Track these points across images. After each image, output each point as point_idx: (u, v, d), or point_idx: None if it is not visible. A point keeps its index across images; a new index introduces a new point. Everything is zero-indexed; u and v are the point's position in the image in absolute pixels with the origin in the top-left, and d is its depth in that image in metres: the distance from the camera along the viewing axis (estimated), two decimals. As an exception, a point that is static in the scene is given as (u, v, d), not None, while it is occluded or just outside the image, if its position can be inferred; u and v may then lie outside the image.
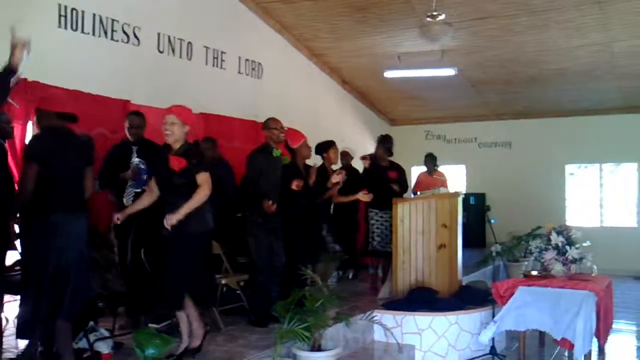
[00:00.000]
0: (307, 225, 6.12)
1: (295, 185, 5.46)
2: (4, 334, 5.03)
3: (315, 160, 6.94)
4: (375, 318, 5.90)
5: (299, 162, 5.94)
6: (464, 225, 11.05)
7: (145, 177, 5.21)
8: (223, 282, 5.56)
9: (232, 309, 5.73)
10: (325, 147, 6.63)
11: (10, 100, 4.68)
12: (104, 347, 4.29)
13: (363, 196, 6.71)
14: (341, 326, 5.29)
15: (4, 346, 4.84)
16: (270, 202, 5.20)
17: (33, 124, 6.38)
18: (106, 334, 4.41)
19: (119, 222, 4.51)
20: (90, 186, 4.25)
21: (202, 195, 4.14)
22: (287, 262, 5.38)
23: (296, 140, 6.01)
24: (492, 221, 11.46)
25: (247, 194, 5.38)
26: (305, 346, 4.63)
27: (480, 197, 13.06)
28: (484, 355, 5.91)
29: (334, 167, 6.87)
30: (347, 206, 7.51)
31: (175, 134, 4.28)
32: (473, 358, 5.93)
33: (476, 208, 12.46)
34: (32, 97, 6.35)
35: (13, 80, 3.29)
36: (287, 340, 4.44)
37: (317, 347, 4.69)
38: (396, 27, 9.73)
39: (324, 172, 6.40)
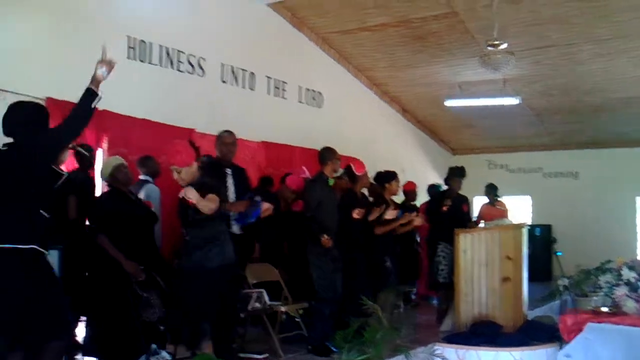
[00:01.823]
0: (369, 255, 6.07)
1: (356, 213, 5.43)
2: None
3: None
4: (436, 351, 5.75)
5: (357, 190, 5.92)
6: (529, 257, 10.81)
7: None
8: (283, 309, 5.54)
9: (291, 337, 5.69)
10: (388, 178, 6.57)
11: (79, 149, 4.90)
12: (164, 371, 4.33)
13: (418, 221, 6.66)
14: (401, 359, 5.16)
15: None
16: (327, 237, 5.16)
17: (103, 151, 6.64)
18: (167, 357, 4.44)
19: None
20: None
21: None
22: (347, 292, 5.31)
23: (361, 168, 6.04)
24: (558, 254, 11.10)
25: (308, 225, 5.36)
26: (364, 378, 4.52)
27: (546, 229, 12.65)
28: (551, 394, 5.64)
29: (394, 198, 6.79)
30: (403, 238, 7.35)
31: None
32: (540, 396, 5.67)
33: (542, 240, 12.07)
34: (102, 125, 6.62)
35: (95, 103, 3.40)
36: (346, 371, 4.35)
37: (376, 380, 4.57)
38: (456, 56, 9.68)
39: (379, 201, 6.32)
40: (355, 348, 4.38)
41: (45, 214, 3.32)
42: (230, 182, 4.75)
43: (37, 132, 3.26)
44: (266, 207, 4.77)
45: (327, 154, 5.55)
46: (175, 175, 4.32)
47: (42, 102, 5.92)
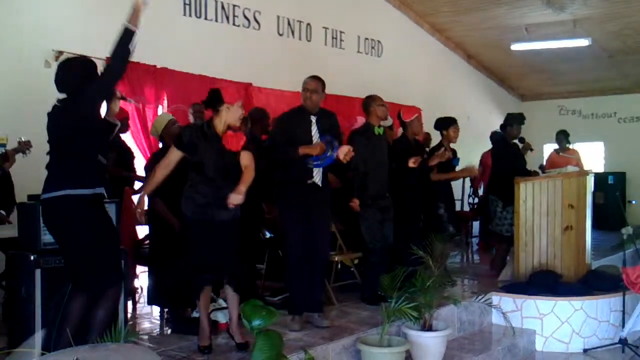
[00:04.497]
0: (424, 203, 6.02)
1: (412, 162, 5.36)
2: (138, 301, 5.53)
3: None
4: (493, 301, 5.73)
5: (409, 136, 5.83)
6: (601, 206, 10.45)
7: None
8: (337, 259, 5.64)
9: (346, 286, 5.80)
10: (446, 124, 6.36)
11: (130, 100, 4.94)
12: (221, 317, 4.50)
13: (470, 171, 6.55)
14: (457, 308, 5.18)
15: (137, 312, 5.32)
16: (357, 201, 5.09)
17: (163, 108, 6.83)
18: (224, 304, 4.62)
19: None
20: None
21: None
22: (398, 241, 5.32)
23: (409, 113, 5.93)
24: (634, 202, 10.66)
25: (352, 177, 5.34)
26: (415, 325, 4.58)
27: (620, 177, 12.13)
28: (612, 344, 5.53)
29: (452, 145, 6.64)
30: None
31: None
32: (600, 347, 5.57)
33: (615, 188, 11.58)
34: (162, 82, 6.81)
35: (134, 44, 3.44)
36: (395, 318, 4.42)
37: (427, 327, 4.62)
38: (522, -4, 9.25)
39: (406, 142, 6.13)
40: (404, 296, 4.43)
41: (104, 160, 3.51)
42: (314, 129, 4.65)
43: (85, 85, 3.38)
44: (345, 149, 4.51)
45: (368, 102, 5.44)
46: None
47: (102, 62, 6.15)
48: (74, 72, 3.46)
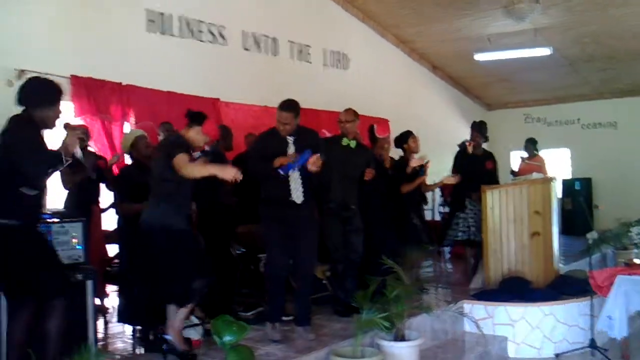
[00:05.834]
0: (395, 214, 6.08)
1: (367, 174, 5.39)
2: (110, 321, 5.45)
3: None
4: (465, 309, 5.78)
5: (376, 152, 5.93)
6: (569, 212, 10.62)
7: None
8: (309, 272, 5.62)
9: (319, 298, 5.78)
10: (404, 138, 6.51)
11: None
12: (194, 334, 4.46)
13: (449, 179, 6.61)
14: (429, 316, 5.21)
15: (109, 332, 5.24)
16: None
17: (130, 126, 6.77)
18: (196, 321, 4.58)
19: None
20: None
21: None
22: (367, 252, 5.34)
23: (384, 131, 6.09)
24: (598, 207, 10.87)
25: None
26: (388, 336, 4.59)
27: (586, 182, 12.39)
28: (583, 348, 5.60)
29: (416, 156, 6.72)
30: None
31: None
32: (571, 351, 5.65)
33: (582, 194, 11.82)
34: (128, 99, 6.75)
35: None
36: (368, 329, 4.42)
37: (400, 337, 4.63)
38: (482, 8, 9.41)
39: (405, 163, 6.31)
40: (376, 307, 4.44)
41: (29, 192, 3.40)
42: (291, 149, 4.61)
43: (40, 105, 3.37)
44: (314, 159, 4.42)
45: (340, 116, 5.56)
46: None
47: (67, 80, 6.09)
48: (31, 90, 3.45)
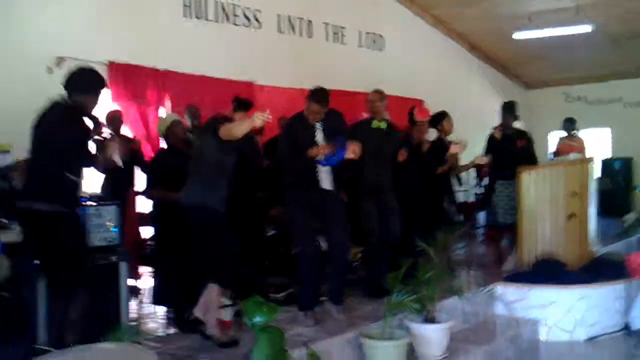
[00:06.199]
0: (427, 196, 6.07)
1: (400, 155, 5.39)
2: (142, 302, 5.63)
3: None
4: (497, 291, 5.76)
5: (413, 134, 5.90)
6: (607, 192, 10.41)
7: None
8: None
9: (351, 280, 5.84)
10: (438, 119, 6.46)
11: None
12: (226, 315, 4.57)
13: (481, 159, 6.58)
14: (460, 299, 5.21)
15: (142, 312, 5.41)
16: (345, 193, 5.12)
17: (165, 109, 6.91)
18: (228, 302, 4.69)
19: None
20: None
21: None
22: (404, 234, 5.36)
23: (422, 115, 6.06)
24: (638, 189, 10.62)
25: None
26: (418, 318, 4.62)
27: (627, 162, 12.08)
28: (617, 331, 5.54)
29: (450, 137, 6.68)
30: None
31: None
32: (604, 334, 5.59)
33: (622, 174, 11.55)
34: (164, 84, 6.89)
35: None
36: (397, 311, 4.46)
37: (430, 320, 4.66)
38: (522, -15, 9.22)
39: (440, 144, 6.28)
40: (406, 289, 4.47)
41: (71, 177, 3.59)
42: (319, 135, 4.70)
43: (82, 92, 3.54)
44: (353, 147, 4.49)
45: (368, 97, 5.56)
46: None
47: (104, 66, 6.25)
48: (75, 79, 3.60)
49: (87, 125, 3.67)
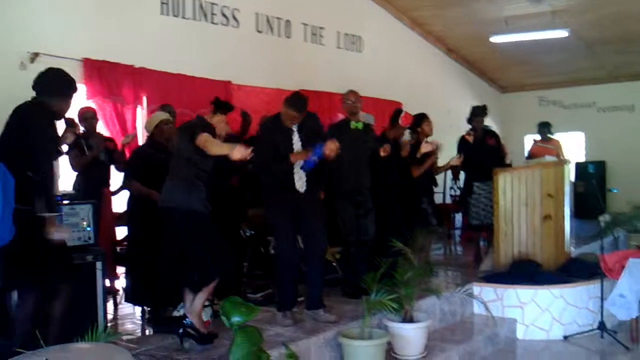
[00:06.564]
0: (405, 197, 6.09)
1: (382, 150, 5.38)
2: (120, 303, 5.54)
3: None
4: (474, 291, 5.80)
5: (389, 136, 5.95)
6: (581, 195, 10.56)
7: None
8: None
9: (329, 280, 5.82)
10: (418, 121, 6.50)
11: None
12: (205, 315, 4.52)
13: (456, 160, 6.64)
14: (438, 299, 5.23)
15: (119, 313, 5.33)
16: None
17: (142, 108, 6.82)
18: (205, 302, 4.63)
19: None
20: None
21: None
22: (379, 235, 5.36)
23: (406, 121, 6.21)
24: (613, 190, 10.77)
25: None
26: (396, 317, 4.63)
27: (600, 165, 12.27)
28: (592, 330, 5.62)
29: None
30: None
31: None
32: (580, 333, 5.65)
33: (596, 177, 11.71)
34: (140, 82, 6.79)
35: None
36: (376, 311, 4.46)
37: (408, 319, 4.67)
38: (500, -11, 9.31)
39: (417, 147, 6.31)
40: (384, 289, 4.47)
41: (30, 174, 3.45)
42: (295, 137, 4.67)
43: (53, 96, 3.44)
44: (331, 146, 4.48)
45: (343, 96, 5.57)
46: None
47: (79, 63, 6.15)
48: (45, 79, 3.52)
49: (53, 123, 3.59)
